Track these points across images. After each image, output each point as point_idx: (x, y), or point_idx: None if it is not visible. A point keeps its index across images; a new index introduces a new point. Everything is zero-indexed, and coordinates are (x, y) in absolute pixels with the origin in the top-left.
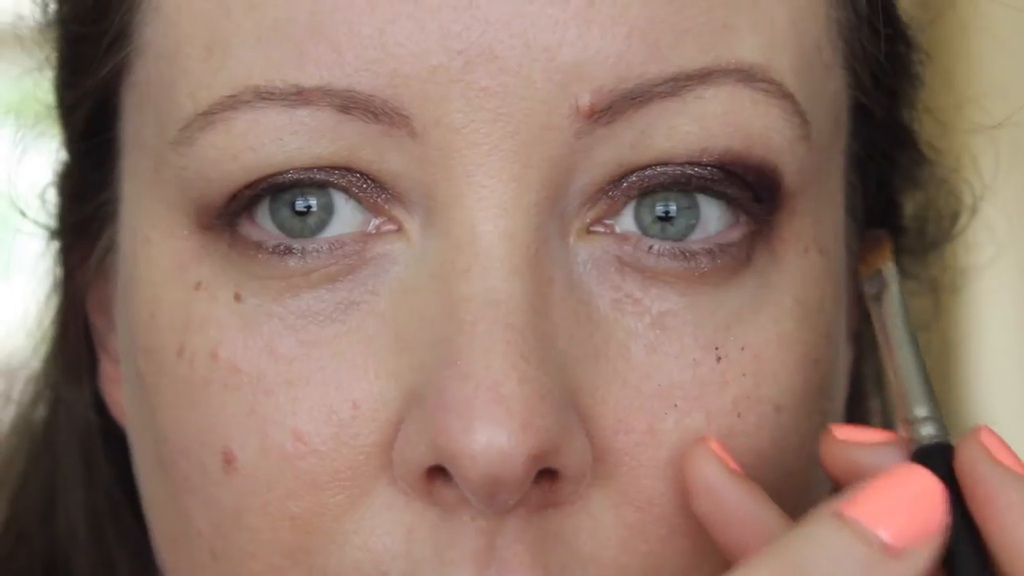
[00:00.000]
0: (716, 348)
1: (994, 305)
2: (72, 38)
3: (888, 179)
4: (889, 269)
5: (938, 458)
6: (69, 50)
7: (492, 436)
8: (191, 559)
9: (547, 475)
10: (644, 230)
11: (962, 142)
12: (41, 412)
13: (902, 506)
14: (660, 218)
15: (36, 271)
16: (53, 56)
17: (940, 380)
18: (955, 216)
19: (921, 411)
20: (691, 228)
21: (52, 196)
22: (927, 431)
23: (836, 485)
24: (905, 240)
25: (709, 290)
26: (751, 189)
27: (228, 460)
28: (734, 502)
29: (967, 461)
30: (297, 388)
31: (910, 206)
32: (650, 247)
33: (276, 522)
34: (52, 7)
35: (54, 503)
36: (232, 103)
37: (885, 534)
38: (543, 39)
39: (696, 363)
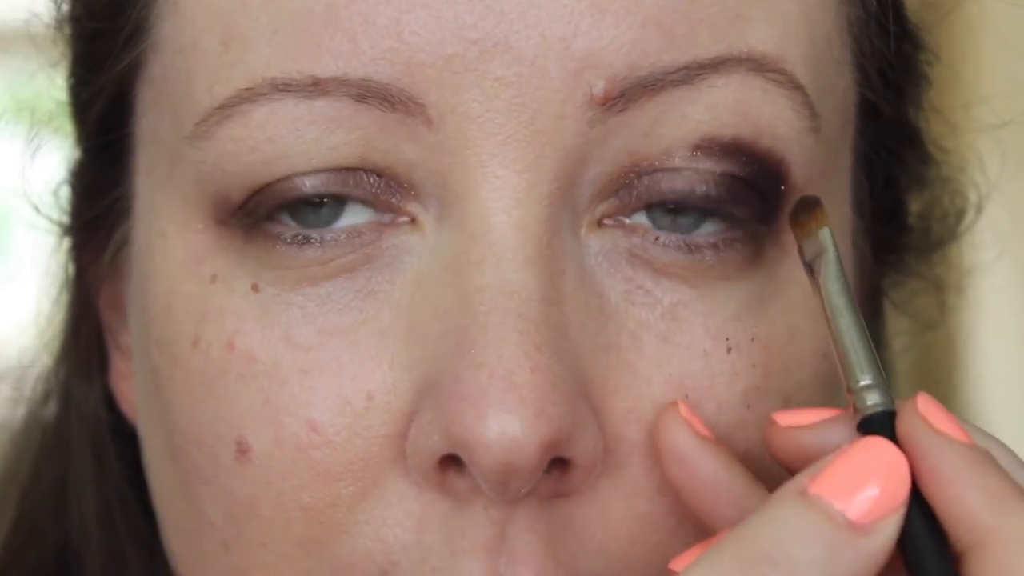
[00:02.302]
0: (727, 339)
1: (998, 304)
2: (87, 35)
3: (894, 178)
4: (825, 234)
5: (884, 427)
6: (84, 47)
7: (505, 424)
8: (203, 550)
9: (559, 464)
10: (655, 223)
11: (968, 142)
12: (52, 409)
13: (865, 480)
14: (671, 210)
15: (47, 268)
16: (67, 53)
17: (943, 378)
18: (960, 215)
19: (864, 379)
20: (701, 222)
21: (65, 193)
22: (871, 399)
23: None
24: (910, 238)
25: (718, 283)
26: (756, 195)
27: (242, 450)
28: (706, 468)
29: (907, 433)
30: (312, 378)
31: (916, 205)
32: (657, 238)
33: (289, 512)
34: (66, 5)
35: (65, 499)
36: (249, 95)
37: (850, 511)
38: (558, 29)
39: (707, 353)
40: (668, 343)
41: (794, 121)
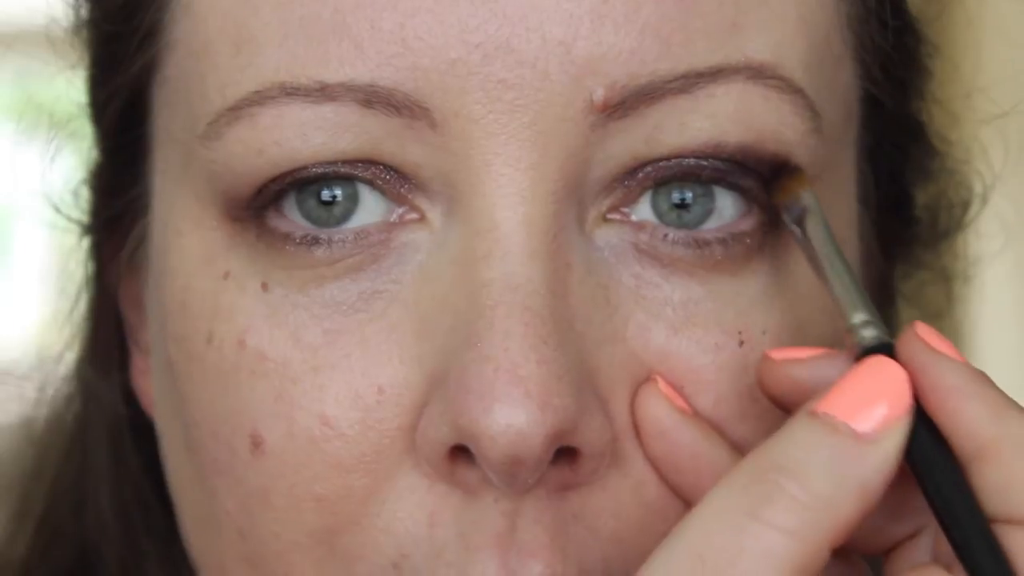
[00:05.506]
0: (739, 332)
1: (1004, 293)
2: (103, 38)
3: (899, 169)
4: (809, 195)
5: (883, 356)
6: (100, 49)
7: (511, 416)
8: (219, 539)
9: (567, 454)
10: (660, 217)
11: (971, 132)
12: (73, 407)
13: (870, 396)
14: (676, 205)
15: (58, 268)
16: (86, 56)
17: None
18: (966, 205)
19: (860, 316)
20: (707, 215)
21: (84, 193)
22: (869, 333)
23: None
24: (918, 230)
25: (726, 278)
26: (764, 180)
27: (256, 443)
28: (685, 440)
29: (908, 354)
30: (323, 375)
31: (921, 196)
32: (665, 235)
33: (302, 503)
34: (84, 9)
35: (84, 495)
36: (258, 99)
37: (854, 422)
38: (558, 33)
39: (718, 347)
40: (678, 335)
41: (797, 125)
